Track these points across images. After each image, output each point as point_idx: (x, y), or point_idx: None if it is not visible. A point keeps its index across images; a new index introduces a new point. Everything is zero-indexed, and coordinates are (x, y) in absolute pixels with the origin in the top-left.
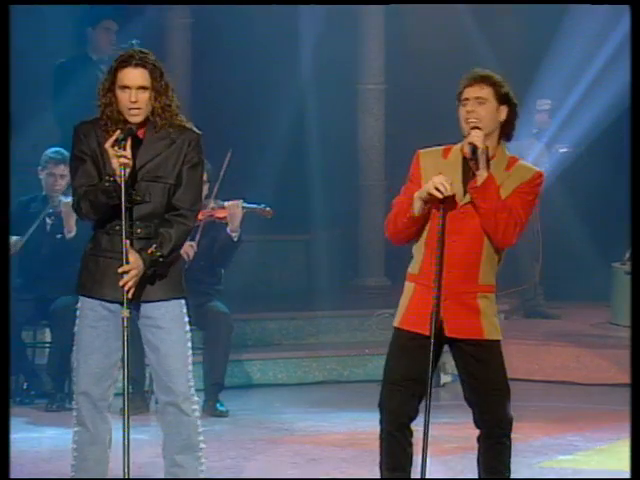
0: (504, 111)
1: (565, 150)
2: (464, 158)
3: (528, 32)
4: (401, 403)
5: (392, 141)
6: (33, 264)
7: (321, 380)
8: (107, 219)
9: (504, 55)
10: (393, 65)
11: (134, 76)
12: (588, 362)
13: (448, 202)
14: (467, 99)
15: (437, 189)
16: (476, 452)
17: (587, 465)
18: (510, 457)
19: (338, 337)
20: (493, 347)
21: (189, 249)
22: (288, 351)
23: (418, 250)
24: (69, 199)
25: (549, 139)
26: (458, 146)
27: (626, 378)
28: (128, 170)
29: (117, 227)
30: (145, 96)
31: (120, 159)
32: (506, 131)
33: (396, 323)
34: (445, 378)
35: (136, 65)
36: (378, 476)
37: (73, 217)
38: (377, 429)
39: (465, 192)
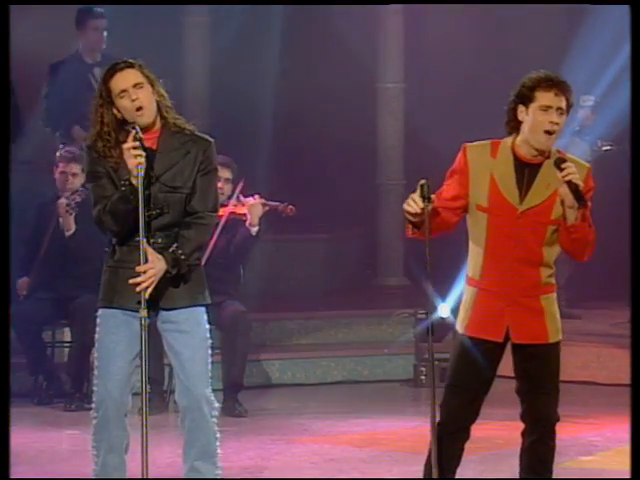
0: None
1: (608, 148)
2: (516, 159)
3: (547, 29)
4: (461, 406)
5: (411, 140)
6: (51, 263)
7: (340, 380)
8: (128, 234)
9: (524, 53)
10: (412, 64)
11: (126, 77)
12: (609, 362)
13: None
14: (549, 107)
15: (409, 205)
16: (498, 452)
17: (608, 466)
18: (553, 458)
19: (357, 337)
20: (554, 349)
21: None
22: (307, 351)
23: (476, 253)
24: (62, 200)
25: (579, 129)
26: (507, 143)
27: None
28: (143, 170)
29: (137, 239)
30: (143, 92)
31: (137, 159)
32: None
33: (460, 329)
34: None
35: (123, 68)
36: (397, 476)
37: (70, 216)
38: (396, 429)
39: (520, 196)
